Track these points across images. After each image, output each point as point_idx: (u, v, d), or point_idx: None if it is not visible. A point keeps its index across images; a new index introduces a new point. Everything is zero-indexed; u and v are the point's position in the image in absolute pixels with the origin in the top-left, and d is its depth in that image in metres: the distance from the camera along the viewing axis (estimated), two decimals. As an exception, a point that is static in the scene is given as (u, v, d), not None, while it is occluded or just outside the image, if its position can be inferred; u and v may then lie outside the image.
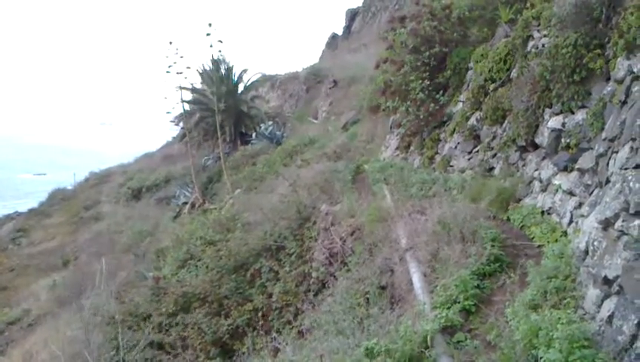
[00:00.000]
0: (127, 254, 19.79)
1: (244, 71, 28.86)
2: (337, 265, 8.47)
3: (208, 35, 21.37)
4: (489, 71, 8.92)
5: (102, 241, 23.00)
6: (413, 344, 3.86)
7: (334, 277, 8.28)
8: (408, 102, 11.04)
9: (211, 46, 22.87)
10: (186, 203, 23.79)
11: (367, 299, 6.74)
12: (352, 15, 42.99)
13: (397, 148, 12.72)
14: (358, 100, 21.80)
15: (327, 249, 8.78)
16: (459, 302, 4.55)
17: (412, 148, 11.78)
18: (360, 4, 43.05)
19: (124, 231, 22.90)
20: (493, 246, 5.35)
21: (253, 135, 27.36)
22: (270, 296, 9.04)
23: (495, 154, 8.26)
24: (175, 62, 22.01)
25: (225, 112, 25.60)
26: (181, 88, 23.75)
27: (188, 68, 24.37)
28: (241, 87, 28.97)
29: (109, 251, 21.35)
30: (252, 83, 29.64)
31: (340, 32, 44.64)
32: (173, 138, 40.41)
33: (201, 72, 27.16)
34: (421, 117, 10.85)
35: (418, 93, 10.75)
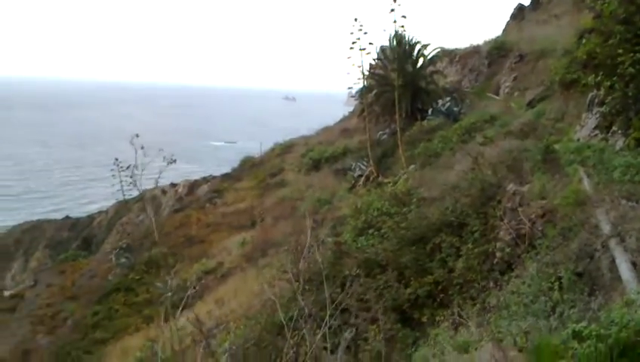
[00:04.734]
0: (307, 219, 21.15)
1: (424, 46, 28.54)
2: (525, 247, 8.18)
3: (392, 10, 21.49)
4: None
5: (285, 206, 24.94)
6: (629, 331, 3.66)
7: (521, 258, 8.03)
8: (614, 78, 10.03)
9: (395, 22, 22.90)
10: (361, 175, 24.60)
11: (561, 284, 6.44)
12: (543, -16, 39.65)
13: (595, 128, 11.67)
14: (548, 75, 20.32)
15: (514, 230, 8.51)
16: (680, 295, 4.17)
17: (614, 128, 10.72)
18: (553, -28, 39.49)
19: (304, 198, 24.50)
20: None
21: (430, 111, 27.06)
22: (451, 270, 9.06)
23: None
24: (359, 39, 22.56)
25: (403, 88, 25.67)
26: (362, 64, 24.30)
27: (371, 44, 24.73)
28: (420, 62, 28.75)
29: (291, 215, 23.07)
30: (431, 58, 29.20)
31: (526, 3, 41.59)
32: (350, 112, 41.78)
33: (382, 47, 27.50)
34: (629, 94, 9.79)
35: (627, 68, 9.69)
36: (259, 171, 34.10)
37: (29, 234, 40.36)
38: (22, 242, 39.72)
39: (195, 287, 21.75)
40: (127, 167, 25.67)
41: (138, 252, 26.68)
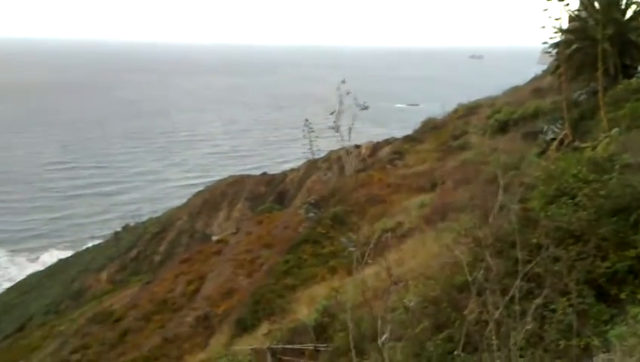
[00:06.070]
0: (491, 185, 20.43)
1: (638, -8, 24.90)
2: None
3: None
4: None
5: (467, 170, 24.32)
6: None
7: None
8: None
9: (601, -34, 20.31)
10: (554, 139, 22.89)
11: None
12: None
13: None
14: None
15: None
16: None
17: None
18: None
19: (488, 162, 23.59)
20: None
21: (640, 67, 23.84)
22: (658, 245, 8.15)
23: None
24: (558, -12, 20.54)
25: (608, 42, 22.87)
26: (560, 16, 22.19)
27: (571, -6, 22.29)
28: (629, 13, 25.22)
29: (474, 180, 22.44)
30: (645, 6, 25.39)
31: None
32: (543, 71, 38.60)
33: (585, -4, 24.62)
34: None
35: None
36: (440, 133, 33.58)
37: (233, 187, 45.60)
38: (226, 194, 45.10)
39: (376, 244, 22.64)
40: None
41: (324, 208, 28.41)
